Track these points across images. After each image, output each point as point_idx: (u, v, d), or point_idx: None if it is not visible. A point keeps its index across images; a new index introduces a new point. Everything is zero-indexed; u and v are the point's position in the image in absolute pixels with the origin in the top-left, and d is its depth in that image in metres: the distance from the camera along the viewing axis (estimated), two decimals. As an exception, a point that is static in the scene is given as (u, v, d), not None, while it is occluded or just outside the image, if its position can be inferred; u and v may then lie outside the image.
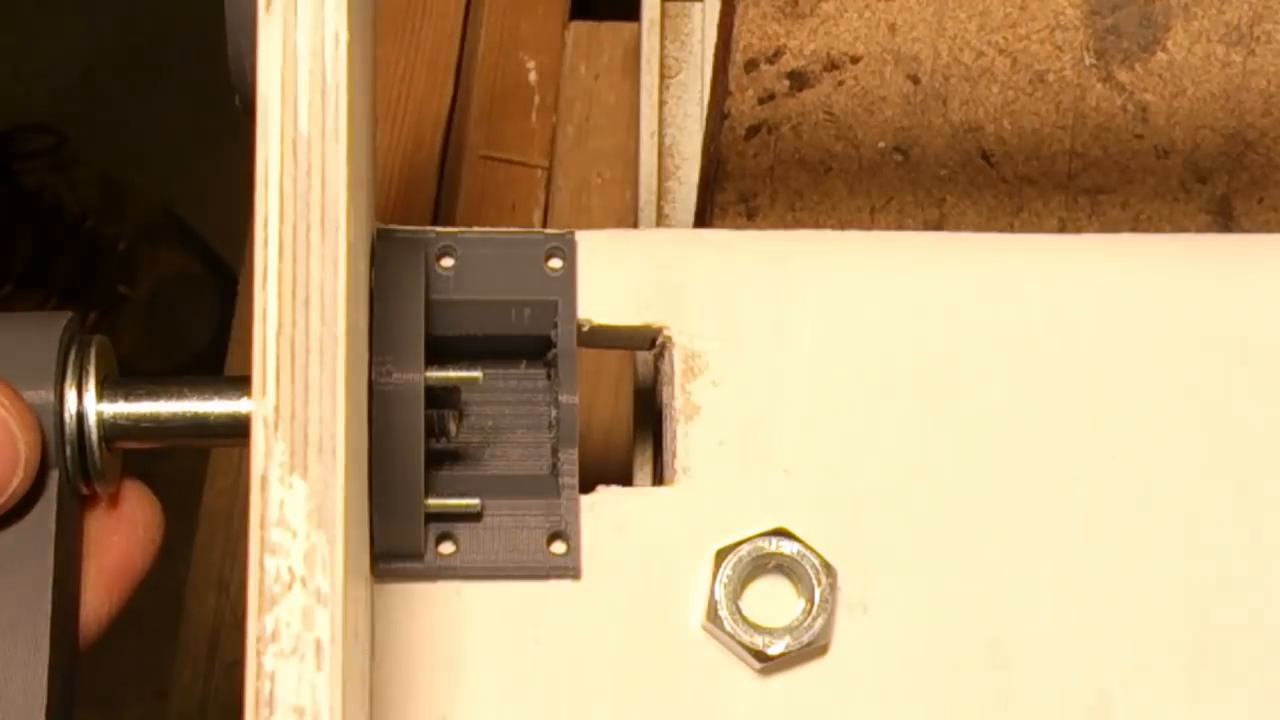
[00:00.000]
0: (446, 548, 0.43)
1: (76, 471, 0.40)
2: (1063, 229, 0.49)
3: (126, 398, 0.41)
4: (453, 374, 0.42)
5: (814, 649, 0.43)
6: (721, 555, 0.43)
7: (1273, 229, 0.49)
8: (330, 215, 0.33)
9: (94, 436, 0.40)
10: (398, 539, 0.42)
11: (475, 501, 0.43)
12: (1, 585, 0.40)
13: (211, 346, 1.22)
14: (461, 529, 0.43)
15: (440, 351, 0.42)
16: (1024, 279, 0.46)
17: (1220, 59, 0.49)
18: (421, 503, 0.42)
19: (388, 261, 0.42)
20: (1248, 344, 0.46)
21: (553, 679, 0.43)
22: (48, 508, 0.40)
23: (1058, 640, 0.44)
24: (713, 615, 0.43)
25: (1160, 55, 0.49)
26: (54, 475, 0.40)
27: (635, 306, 0.45)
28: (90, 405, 0.40)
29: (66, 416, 0.40)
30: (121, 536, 0.43)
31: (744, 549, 0.43)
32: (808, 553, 0.43)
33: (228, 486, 0.70)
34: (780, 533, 0.44)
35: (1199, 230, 0.49)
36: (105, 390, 0.40)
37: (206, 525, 0.73)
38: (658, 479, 0.47)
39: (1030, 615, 0.44)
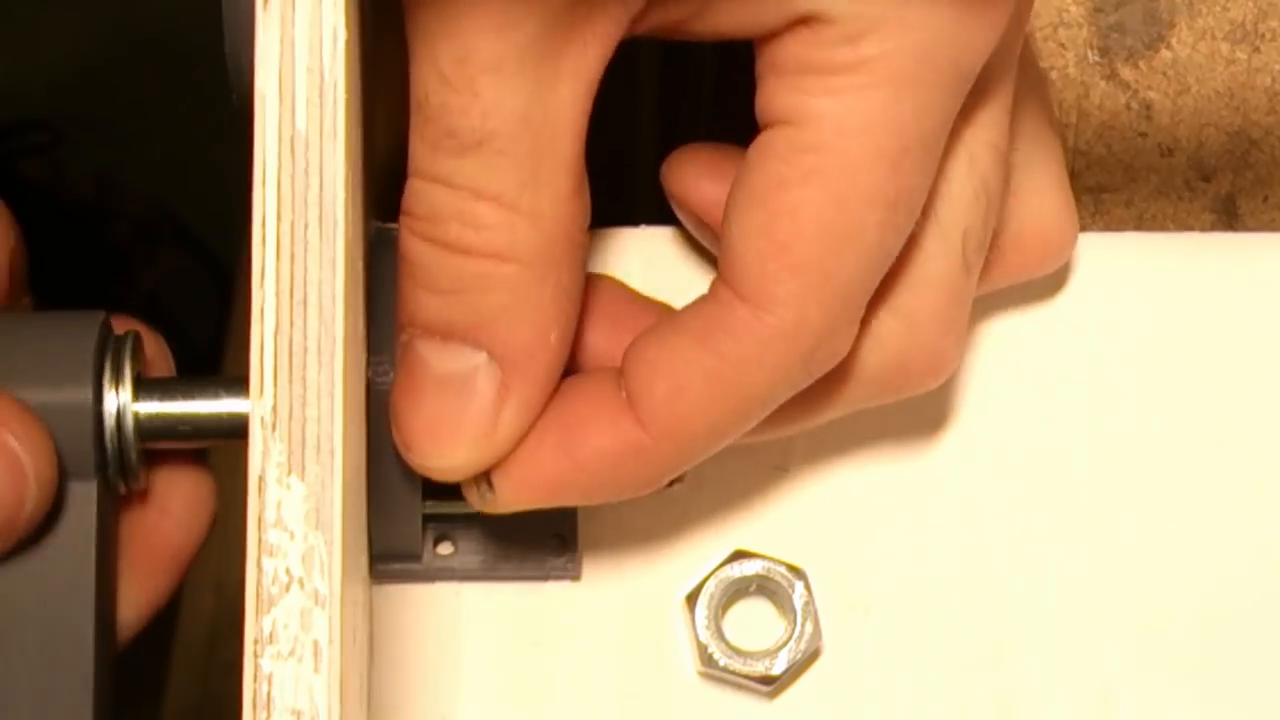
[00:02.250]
0: (445, 549, 0.43)
1: (115, 474, 0.40)
2: (1065, 228, 0.49)
3: (162, 397, 0.40)
4: (451, 374, 0.42)
5: (811, 654, 0.43)
6: (691, 600, 0.43)
7: (1277, 227, 0.49)
8: (328, 214, 0.33)
9: (131, 437, 0.39)
10: (396, 540, 0.42)
11: (474, 502, 0.43)
12: (45, 593, 0.39)
13: (209, 346, 1.22)
14: (460, 530, 0.43)
15: (439, 351, 0.42)
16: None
17: (1225, 56, 0.49)
18: (420, 504, 0.42)
19: (385, 260, 0.42)
20: (1252, 343, 0.46)
21: (552, 680, 0.43)
22: (88, 515, 0.39)
23: (1061, 640, 0.44)
24: (707, 660, 0.42)
25: (1164, 53, 0.49)
26: (93, 484, 0.39)
27: (635, 306, 0.45)
28: (128, 405, 0.39)
29: (106, 418, 0.39)
30: (154, 521, 0.42)
31: (710, 586, 0.43)
32: (772, 564, 0.43)
33: (226, 488, 0.70)
34: (738, 555, 0.43)
35: (1203, 229, 0.49)
36: (140, 390, 0.40)
37: (204, 525, 0.72)
38: (658, 479, 0.47)
39: (1033, 615, 0.44)
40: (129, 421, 0.39)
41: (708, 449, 0.39)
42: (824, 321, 0.37)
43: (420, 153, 0.36)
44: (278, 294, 0.32)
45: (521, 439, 0.38)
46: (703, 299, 0.38)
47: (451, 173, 0.36)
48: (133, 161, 1.29)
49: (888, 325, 0.40)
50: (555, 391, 0.39)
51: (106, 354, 0.40)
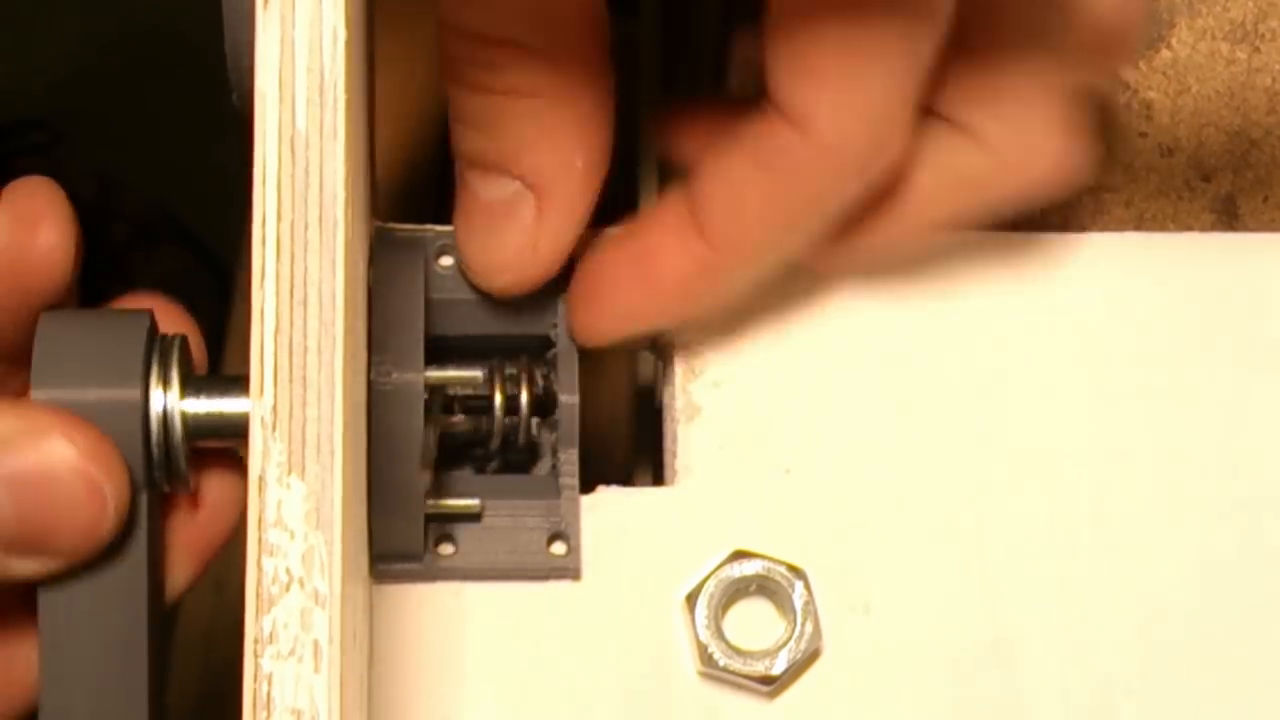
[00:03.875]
0: (446, 548, 0.43)
1: (163, 475, 0.40)
2: (1066, 227, 0.49)
3: (209, 395, 0.40)
4: (452, 374, 0.42)
5: (811, 654, 0.43)
6: (691, 600, 0.43)
7: (1277, 227, 0.49)
8: (328, 214, 0.33)
9: (179, 437, 0.39)
10: (397, 540, 0.42)
11: (475, 502, 0.43)
12: (100, 598, 0.39)
13: (209, 346, 1.22)
14: (461, 530, 0.43)
15: (440, 351, 0.42)
16: (1027, 278, 0.46)
17: (1225, 56, 0.49)
18: (421, 503, 0.42)
19: (387, 260, 0.42)
20: (1252, 343, 0.46)
21: (553, 680, 0.43)
22: (140, 523, 0.39)
23: (1061, 640, 0.44)
24: (707, 660, 0.42)
25: (1165, 53, 0.49)
26: (143, 490, 0.39)
27: (636, 306, 0.45)
28: (175, 405, 0.39)
29: (153, 419, 0.39)
30: (188, 510, 0.42)
31: (710, 586, 0.43)
32: (772, 564, 0.43)
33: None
34: (738, 555, 0.43)
35: (1203, 229, 0.49)
36: (188, 388, 0.40)
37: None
38: (658, 479, 0.47)
39: (1033, 615, 0.44)
40: (177, 422, 0.39)
41: (770, 260, 0.42)
42: (865, 133, 0.39)
43: (443, 3, 0.39)
44: (278, 294, 0.32)
45: (564, 255, 0.42)
46: (758, 113, 0.40)
47: (464, 21, 0.39)
48: (133, 161, 1.29)
49: (947, 134, 0.41)
50: (630, 224, 0.42)
51: (154, 354, 0.40)
